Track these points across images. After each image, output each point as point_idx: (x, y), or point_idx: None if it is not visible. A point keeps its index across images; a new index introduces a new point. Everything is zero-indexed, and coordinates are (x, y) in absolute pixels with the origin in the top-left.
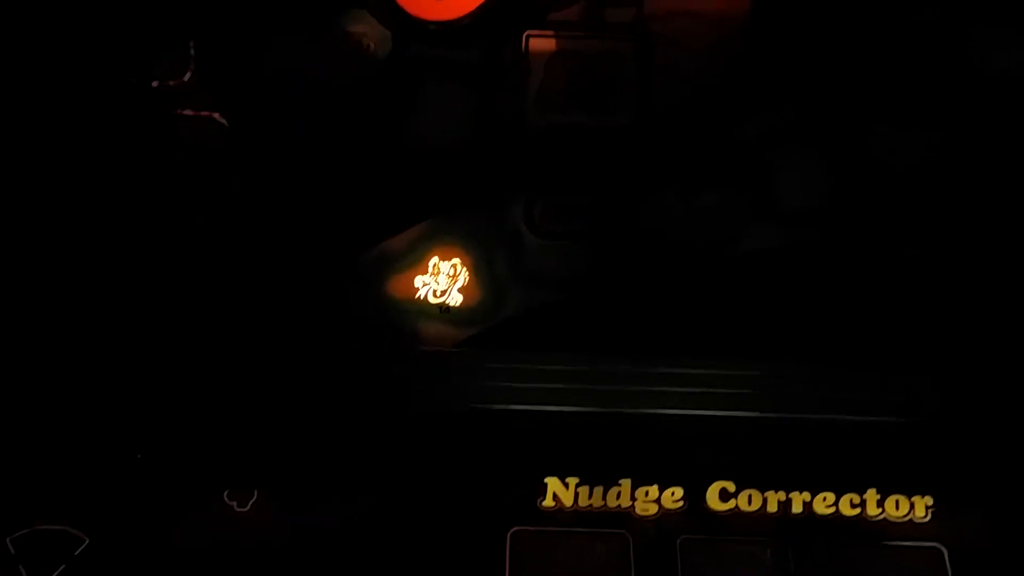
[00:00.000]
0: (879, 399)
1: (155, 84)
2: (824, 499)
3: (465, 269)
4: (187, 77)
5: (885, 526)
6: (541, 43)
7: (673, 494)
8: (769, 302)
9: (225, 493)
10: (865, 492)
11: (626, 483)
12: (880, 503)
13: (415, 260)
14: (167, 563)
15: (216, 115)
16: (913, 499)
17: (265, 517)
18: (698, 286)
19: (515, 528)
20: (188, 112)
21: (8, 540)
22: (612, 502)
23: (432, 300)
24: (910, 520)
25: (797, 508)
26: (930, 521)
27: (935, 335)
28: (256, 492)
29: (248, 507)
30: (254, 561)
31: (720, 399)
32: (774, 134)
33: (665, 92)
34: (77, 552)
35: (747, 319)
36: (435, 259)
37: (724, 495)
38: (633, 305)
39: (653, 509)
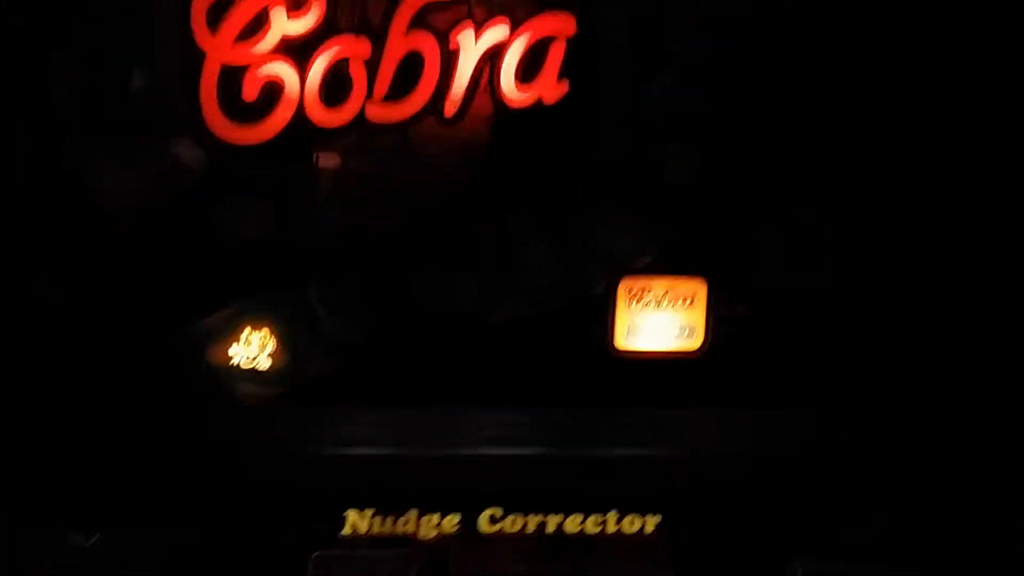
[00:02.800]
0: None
1: None
2: (573, 520)
3: (272, 338)
4: None
5: (623, 539)
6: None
7: (451, 520)
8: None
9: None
10: (607, 514)
11: (412, 513)
12: (618, 522)
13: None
14: None
15: None
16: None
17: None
18: (460, 345)
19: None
20: None
21: None
22: (400, 529)
23: (244, 366)
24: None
25: (551, 528)
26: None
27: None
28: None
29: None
30: None
31: (489, 440)
32: None
33: None
34: None
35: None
36: (247, 330)
37: (493, 520)
38: (416, 362)
39: (433, 533)
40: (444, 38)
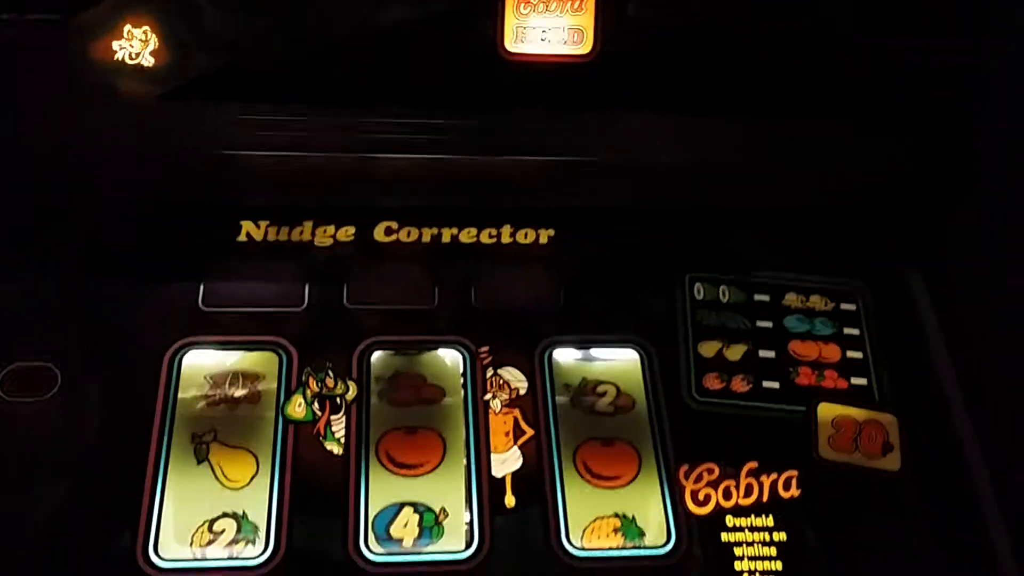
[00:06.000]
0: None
1: None
2: (468, 232)
3: (155, 35)
4: None
5: (515, 251)
6: None
7: (346, 231)
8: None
9: None
10: (501, 227)
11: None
12: (512, 235)
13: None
14: None
15: None
16: (539, 231)
17: None
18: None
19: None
20: None
21: None
22: (295, 237)
23: (128, 62)
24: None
25: (446, 239)
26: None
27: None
28: None
29: None
30: None
31: (393, 145)
32: None
33: None
34: None
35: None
36: (128, 26)
37: (388, 231)
38: (315, 55)
39: (329, 242)
40: None
